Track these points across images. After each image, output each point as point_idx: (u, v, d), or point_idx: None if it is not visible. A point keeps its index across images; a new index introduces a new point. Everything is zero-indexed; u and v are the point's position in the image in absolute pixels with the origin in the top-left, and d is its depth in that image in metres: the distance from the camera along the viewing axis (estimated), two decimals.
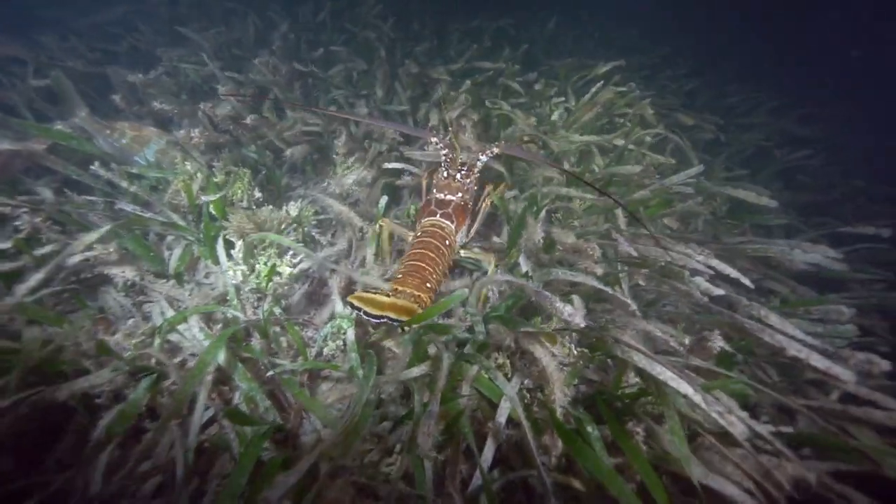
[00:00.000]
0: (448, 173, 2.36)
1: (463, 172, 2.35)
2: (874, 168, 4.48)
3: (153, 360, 1.60)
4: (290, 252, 2.14)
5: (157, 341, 1.64)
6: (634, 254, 2.10)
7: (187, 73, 3.18)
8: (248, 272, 1.99)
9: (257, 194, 2.54)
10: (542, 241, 2.23)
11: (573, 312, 1.33)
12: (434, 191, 2.38)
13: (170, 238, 2.37)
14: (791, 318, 1.98)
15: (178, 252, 2.22)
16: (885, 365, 1.35)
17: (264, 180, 2.78)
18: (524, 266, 2.23)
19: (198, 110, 2.73)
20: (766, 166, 3.75)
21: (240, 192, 2.46)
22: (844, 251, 2.79)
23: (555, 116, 3.51)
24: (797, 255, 1.77)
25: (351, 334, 1.85)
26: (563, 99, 3.53)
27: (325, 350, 1.91)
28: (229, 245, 2.23)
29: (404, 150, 3.02)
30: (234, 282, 1.99)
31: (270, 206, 2.54)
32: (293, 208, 2.45)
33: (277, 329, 2.04)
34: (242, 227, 2.12)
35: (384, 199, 2.57)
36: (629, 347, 1.53)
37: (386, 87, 3.78)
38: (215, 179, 2.41)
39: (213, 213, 2.32)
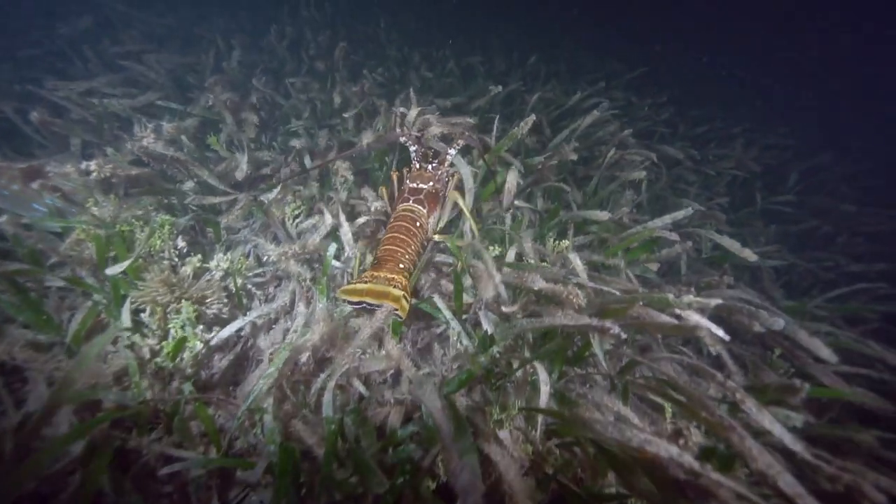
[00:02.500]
0: (420, 165, 2.46)
1: (434, 164, 2.45)
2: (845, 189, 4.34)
3: None
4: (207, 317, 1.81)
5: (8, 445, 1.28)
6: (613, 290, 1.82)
7: (109, 104, 2.87)
8: (156, 345, 1.66)
9: (180, 244, 2.21)
10: (500, 295, 1.95)
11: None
12: (407, 181, 2.43)
13: (78, 297, 2.03)
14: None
15: (79, 315, 1.88)
16: (880, 499, 1.07)
17: (196, 225, 2.46)
18: (485, 324, 1.94)
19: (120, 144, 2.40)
20: (748, 199, 3.56)
21: (159, 242, 2.13)
22: (841, 293, 2.62)
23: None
24: (798, 337, 1.50)
25: (269, 420, 1.52)
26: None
27: (241, 441, 1.57)
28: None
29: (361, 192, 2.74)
30: (144, 356, 1.65)
31: (198, 256, 2.23)
32: (223, 261, 2.13)
33: (190, 409, 1.70)
34: (154, 295, 1.79)
35: (332, 247, 2.27)
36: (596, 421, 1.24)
37: (354, 116, 3.54)
38: (128, 228, 2.08)
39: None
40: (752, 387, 1.82)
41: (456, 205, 2.45)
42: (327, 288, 2.20)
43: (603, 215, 2.30)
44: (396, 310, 1.81)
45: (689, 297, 1.42)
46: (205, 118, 2.99)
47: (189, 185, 2.66)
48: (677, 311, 1.37)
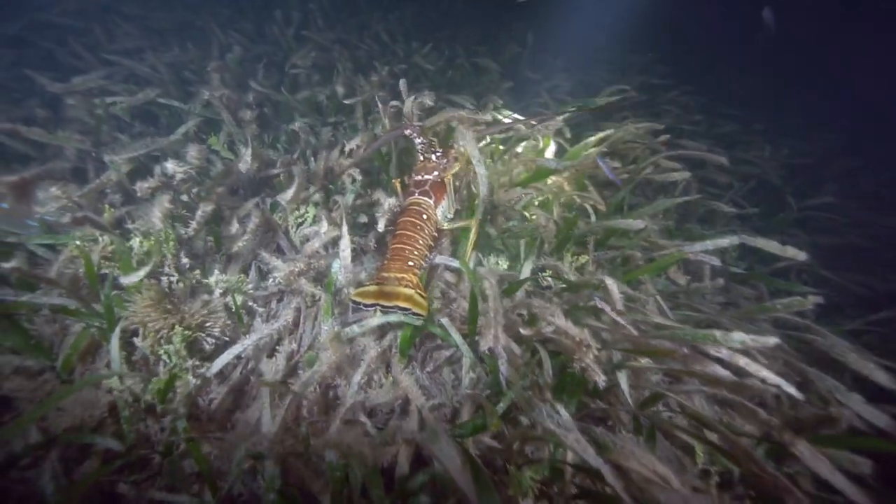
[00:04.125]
0: (424, 157, 2.44)
1: (438, 154, 2.41)
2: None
3: None
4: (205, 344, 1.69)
5: None
6: (633, 332, 1.67)
7: (109, 105, 2.71)
8: (141, 381, 1.55)
9: (184, 260, 2.09)
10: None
11: None
12: (413, 174, 2.42)
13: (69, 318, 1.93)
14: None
15: (70, 339, 1.77)
16: None
17: (199, 235, 2.32)
18: (503, 369, 1.78)
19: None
20: (778, 207, 3.35)
21: (161, 256, 2.01)
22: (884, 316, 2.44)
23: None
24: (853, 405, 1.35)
25: (269, 466, 1.41)
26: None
27: (238, 485, 1.47)
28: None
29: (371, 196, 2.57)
30: (124, 398, 1.54)
31: (197, 272, 2.11)
32: (223, 278, 2.01)
33: (184, 447, 1.60)
34: (146, 318, 1.67)
35: (336, 264, 2.14)
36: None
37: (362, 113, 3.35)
38: (131, 244, 1.96)
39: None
40: (794, 420, 1.68)
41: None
42: (332, 307, 2.08)
43: (637, 224, 2.11)
44: (410, 309, 1.80)
45: (741, 336, 1.26)
46: (205, 117, 2.84)
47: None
48: (724, 350, 1.22)
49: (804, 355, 2.06)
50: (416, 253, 2.08)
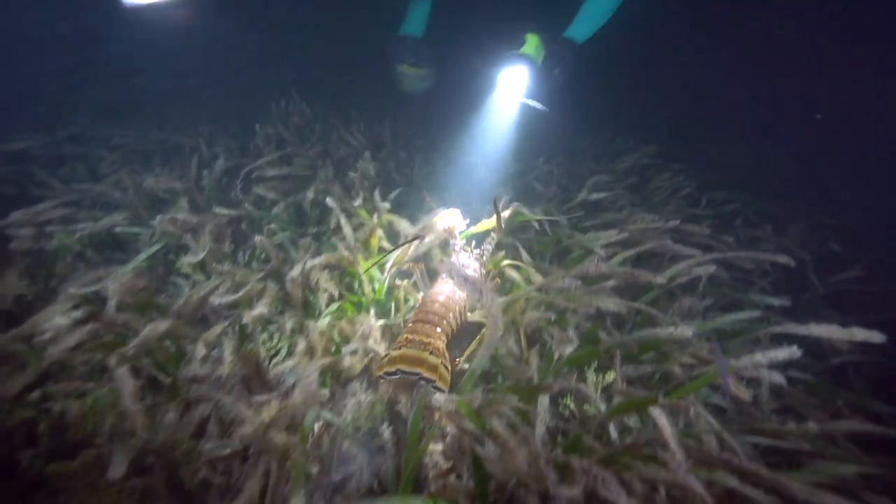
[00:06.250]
0: (461, 249, 2.38)
1: (477, 251, 2.36)
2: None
3: None
4: None
5: None
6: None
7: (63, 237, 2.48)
8: None
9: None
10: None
11: None
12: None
13: None
14: None
15: None
16: None
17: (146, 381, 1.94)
18: None
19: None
20: (803, 288, 3.07)
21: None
22: None
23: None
24: None
25: None
26: None
27: None
28: None
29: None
30: None
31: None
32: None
33: None
34: None
35: (310, 415, 1.74)
36: None
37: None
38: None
39: None
40: None
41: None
42: (304, 469, 1.65)
43: (686, 332, 1.76)
44: (434, 381, 1.65)
45: None
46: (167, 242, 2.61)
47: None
48: None
49: None
50: (445, 322, 1.89)
